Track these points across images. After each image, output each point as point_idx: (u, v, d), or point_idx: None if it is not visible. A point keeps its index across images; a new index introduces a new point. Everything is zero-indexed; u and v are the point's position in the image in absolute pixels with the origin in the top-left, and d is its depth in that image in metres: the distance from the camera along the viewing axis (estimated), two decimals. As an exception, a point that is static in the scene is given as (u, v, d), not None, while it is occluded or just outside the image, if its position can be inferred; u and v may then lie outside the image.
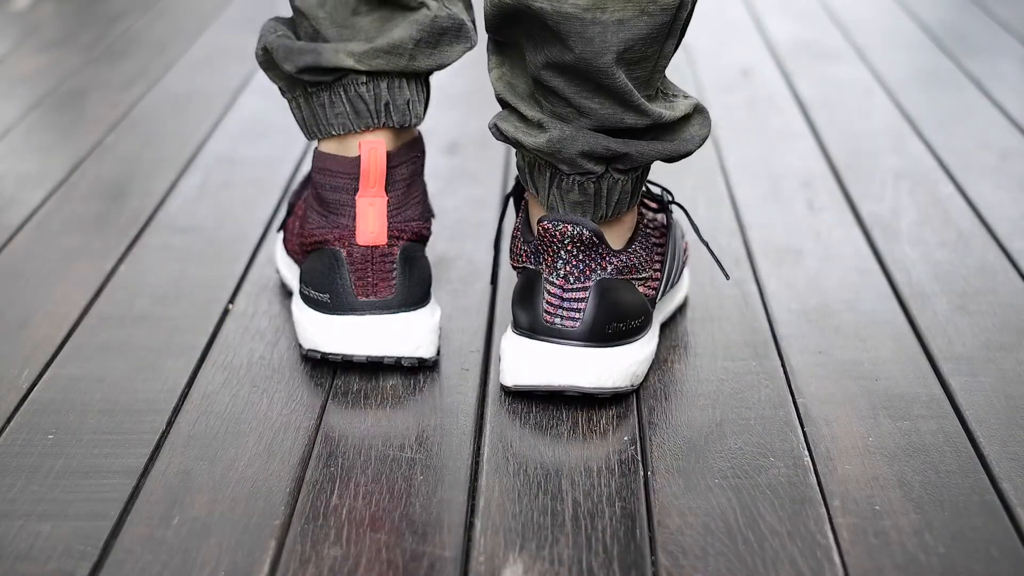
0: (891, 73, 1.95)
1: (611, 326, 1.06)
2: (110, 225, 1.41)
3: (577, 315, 1.05)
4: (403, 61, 1.08)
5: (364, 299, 1.09)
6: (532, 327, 1.06)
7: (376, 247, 1.09)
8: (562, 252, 1.05)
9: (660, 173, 1.30)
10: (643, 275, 1.09)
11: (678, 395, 1.08)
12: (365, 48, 1.08)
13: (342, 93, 1.09)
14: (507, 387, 1.08)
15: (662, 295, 1.15)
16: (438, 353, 1.12)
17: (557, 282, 1.06)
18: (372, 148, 1.08)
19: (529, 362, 1.06)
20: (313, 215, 1.12)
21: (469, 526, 0.91)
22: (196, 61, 2.02)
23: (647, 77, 1.04)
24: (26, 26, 2.24)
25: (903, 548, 0.89)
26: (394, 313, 1.09)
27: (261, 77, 1.92)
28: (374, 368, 1.11)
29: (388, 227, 1.09)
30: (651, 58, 1.03)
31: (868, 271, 1.30)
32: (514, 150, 1.12)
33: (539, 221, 1.06)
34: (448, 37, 1.09)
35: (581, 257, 1.05)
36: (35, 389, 1.08)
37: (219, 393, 1.08)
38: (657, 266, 1.13)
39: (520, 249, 1.10)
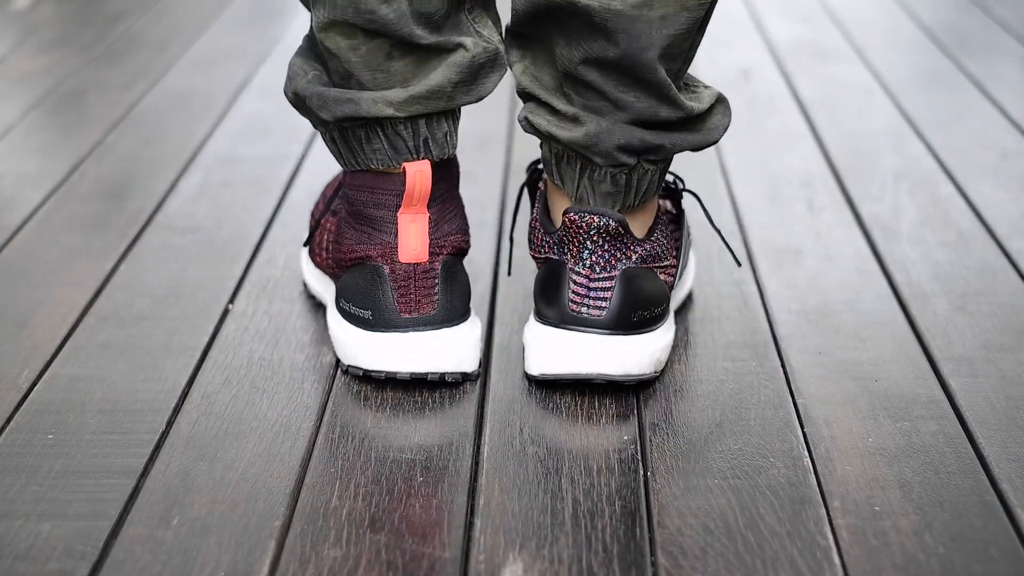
0: (891, 73, 1.95)
1: (636, 314, 1.07)
2: (110, 225, 1.41)
3: (603, 304, 1.07)
4: (442, 103, 1.07)
5: (407, 316, 1.08)
6: (558, 317, 1.08)
7: (418, 264, 1.09)
8: (588, 243, 1.07)
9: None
10: (664, 263, 1.11)
11: (678, 395, 1.08)
12: (403, 96, 1.05)
13: (380, 132, 1.07)
14: (533, 376, 1.09)
15: (677, 281, 1.17)
16: (480, 366, 1.12)
17: (583, 272, 1.07)
18: (419, 170, 1.07)
19: (556, 351, 1.07)
20: (350, 231, 1.11)
21: (469, 525, 0.91)
22: (196, 61, 2.02)
23: (677, 70, 1.08)
24: (26, 26, 2.24)
25: (903, 549, 0.89)
26: (437, 329, 1.08)
27: (261, 77, 1.92)
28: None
29: (429, 243, 1.09)
30: (684, 52, 1.07)
31: (868, 271, 1.30)
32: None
33: (565, 213, 1.08)
34: (485, 71, 1.07)
35: (607, 247, 1.07)
36: (35, 389, 1.08)
37: (219, 393, 1.08)
38: (674, 252, 1.15)
39: (542, 240, 1.11)
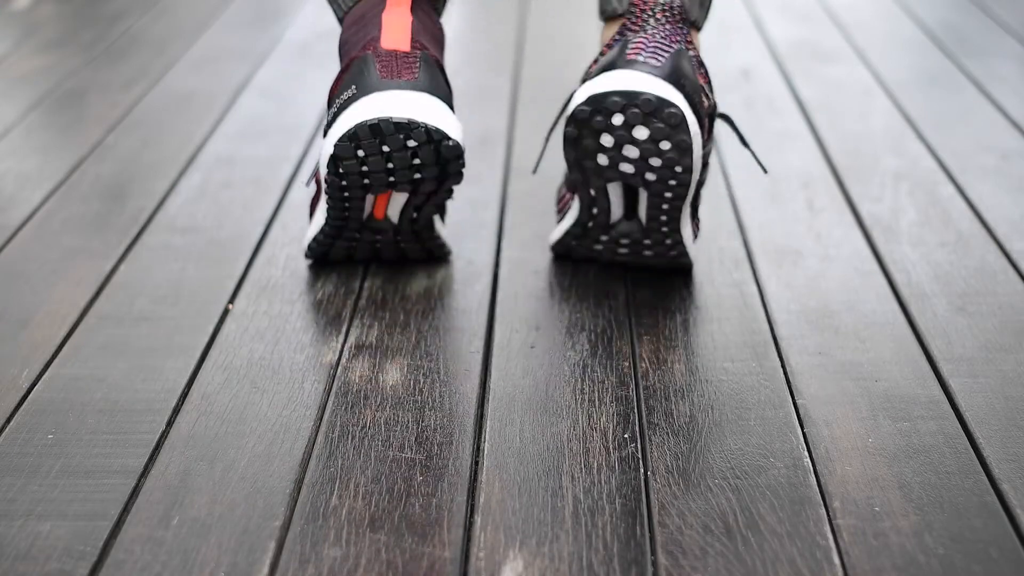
0: (891, 74, 1.95)
1: (686, 82, 1.11)
2: (110, 225, 1.41)
3: (661, 58, 1.11)
4: None
5: (387, 80, 1.10)
6: (612, 65, 1.12)
7: (399, 50, 1.11)
8: (651, 20, 1.12)
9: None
10: (704, 92, 1.16)
11: (678, 395, 1.08)
12: None
13: None
14: (578, 103, 1.12)
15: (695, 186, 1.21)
16: (463, 156, 1.14)
17: (645, 35, 1.12)
18: None
19: (606, 78, 1.11)
20: (342, 65, 1.16)
21: (469, 524, 0.91)
22: (196, 61, 2.02)
23: None
24: (26, 26, 2.24)
25: (903, 549, 0.89)
26: (419, 92, 1.10)
27: (261, 77, 1.92)
28: (374, 368, 1.11)
29: (411, 39, 1.11)
30: None
31: (868, 272, 1.30)
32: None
33: None
34: None
35: (669, 27, 1.12)
36: (35, 389, 1.08)
37: (219, 393, 1.08)
38: (706, 100, 1.18)
39: (596, 59, 1.16)
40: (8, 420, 1.04)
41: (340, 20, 1.22)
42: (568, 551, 0.88)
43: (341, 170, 1.16)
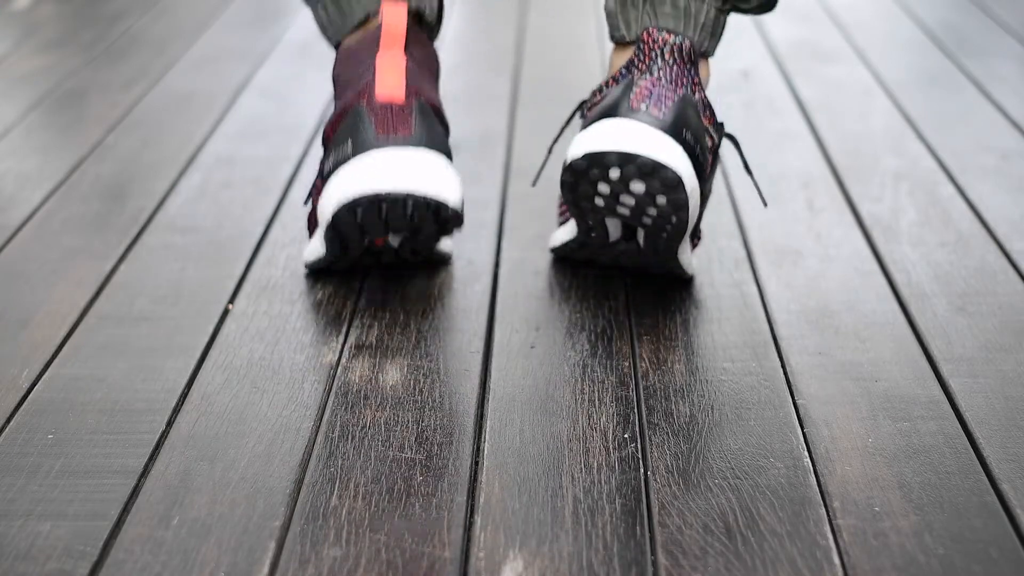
0: (891, 74, 1.95)
1: (688, 133, 1.10)
2: (110, 225, 1.41)
3: (664, 107, 1.09)
4: None
5: (383, 135, 1.10)
6: (615, 110, 1.11)
7: (394, 102, 1.11)
8: (659, 60, 1.11)
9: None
10: (708, 133, 1.15)
11: (678, 395, 1.08)
12: None
13: None
14: (575, 157, 1.10)
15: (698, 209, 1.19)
16: (462, 216, 1.14)
17: (650, 79, 1.11)
18: (394, 9, 1.12)
19: (605, 133, 1.09)
20: (336, 107, 1.15)
21: (469, 524, 0.91)
22: (196, 61, 2.02)
23: None
24: (26, 26, 2.24)
25: (903, 549, 0.89)
26: (415, 147, 1.10)
27: (261, 77, 1.92)
28: (374, 368, 1.11)
29: (405, 84, 1.11)
30: None
31: (868, 272, 1.30)
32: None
33: (643, 31, 1.13)
34: None
35: (676, 69, 1.11)
36: (35, 389, 1.08)
37: (219, 393, 1.08)
38: (710, 141, 1.17)
39: (602, 89, 1.15)
40: (8, 420, 1.04)
41: (335, 48, 1.23)
42: (568, 551, 0.88)
43: (340, 229, 1.16)
